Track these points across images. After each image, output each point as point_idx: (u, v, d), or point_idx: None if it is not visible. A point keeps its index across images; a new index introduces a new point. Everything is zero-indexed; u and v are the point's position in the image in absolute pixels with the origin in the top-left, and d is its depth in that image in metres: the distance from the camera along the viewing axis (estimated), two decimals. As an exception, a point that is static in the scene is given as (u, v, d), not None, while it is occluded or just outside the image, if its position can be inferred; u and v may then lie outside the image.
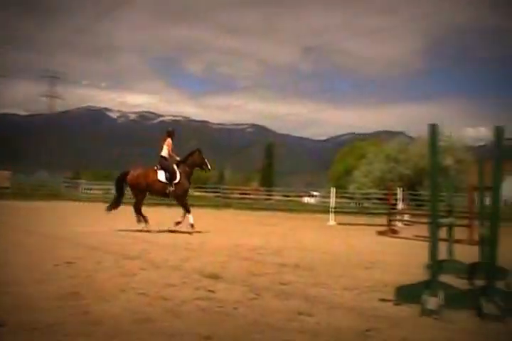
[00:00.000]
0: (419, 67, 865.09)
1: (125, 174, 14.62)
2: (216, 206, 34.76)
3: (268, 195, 46.11)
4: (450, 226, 7.72)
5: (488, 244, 5.37)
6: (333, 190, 25.20)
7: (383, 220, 18.50)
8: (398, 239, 15.07)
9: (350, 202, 43.32)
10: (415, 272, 6.98)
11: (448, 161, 34.98)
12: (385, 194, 28.68)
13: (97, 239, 11.34)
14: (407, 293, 5.41)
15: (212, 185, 58.43)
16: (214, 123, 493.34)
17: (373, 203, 39.79)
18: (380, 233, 16.49)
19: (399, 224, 20.57)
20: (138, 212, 14.19)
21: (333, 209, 23.33)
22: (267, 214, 29.29)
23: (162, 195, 14.70)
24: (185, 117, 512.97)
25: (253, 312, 4.87)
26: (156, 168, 14.46)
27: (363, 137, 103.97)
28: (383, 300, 5.57)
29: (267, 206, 37.58)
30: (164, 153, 14.51)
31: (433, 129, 5.32)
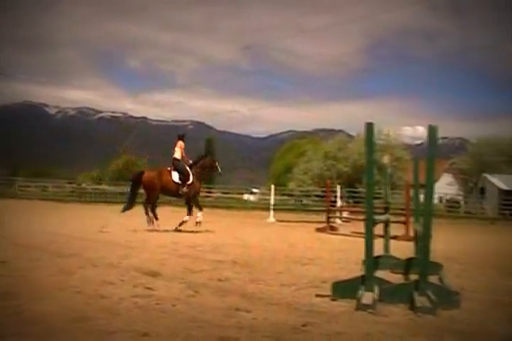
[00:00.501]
0: (359, 66, 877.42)
1: (140, 174, 14.90)
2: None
3: (207, 191, 45.99)
4: (386, 223, 7.88)
5: (422, 239, 5.51)
6: (272, 188, 25.41)
7: (322, 217, 18.74)
8: (337, 236, 15.31)
9: (289, 199, 43.70)
10: (353, 268, 7.13)
11: (385, 159, 35.58)
12: (324, 191, 29.05)
13: (34, 237, 11.05)
14: (343, 289, 5.49)
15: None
16: (153, 120, 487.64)
17: (312, 200, 40.26)
18: (319, 230, 16.71)
19: (338, 220, 20.86)
20: (147, 212, 14.37)
21: (272, 207, 23.51)
22: (206, 211, 29.16)
23: (175, 195, 15.12)
24: (124, 113, 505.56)
25: (191, 309, 4.88)
26: (169, 168, 14.77)
27: (303, 135, 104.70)
28: (320, 295, 5.64)
29: (206, 203, 37.49)
30: (177, 155, 14.88)
31: (369, 128, 5.43)
